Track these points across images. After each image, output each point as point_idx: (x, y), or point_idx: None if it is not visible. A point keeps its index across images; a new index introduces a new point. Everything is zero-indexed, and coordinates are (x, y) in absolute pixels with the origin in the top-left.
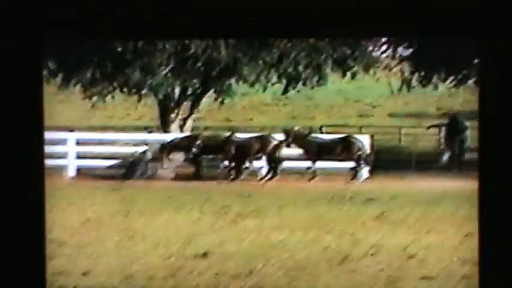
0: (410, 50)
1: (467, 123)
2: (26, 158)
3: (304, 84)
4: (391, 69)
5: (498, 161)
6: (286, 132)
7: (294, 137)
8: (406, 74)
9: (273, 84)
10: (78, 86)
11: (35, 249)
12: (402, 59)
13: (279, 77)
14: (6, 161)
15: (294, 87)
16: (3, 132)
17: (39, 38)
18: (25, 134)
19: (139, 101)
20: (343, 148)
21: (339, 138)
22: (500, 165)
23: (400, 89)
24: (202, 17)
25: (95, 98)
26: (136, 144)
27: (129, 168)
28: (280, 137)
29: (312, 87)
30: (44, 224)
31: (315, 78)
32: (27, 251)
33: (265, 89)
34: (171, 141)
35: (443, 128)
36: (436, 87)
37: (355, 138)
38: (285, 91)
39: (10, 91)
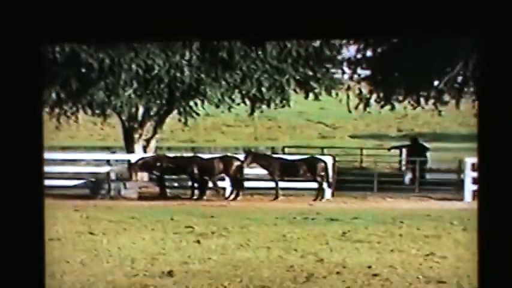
0: (370, 71)
1: (428, 145)
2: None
3: (268, 105)
4: (349, 89)
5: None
6: (248, 152)
7: (257, 158)
8: (364, 93)
9: (237, 105)
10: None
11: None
12: (362, 80)
13: (243, 98)
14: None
15: (258, 108)
16: None
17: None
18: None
19: (104, 121)
20: (307, 168)
21: (302, 158)
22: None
23: (356, 107)
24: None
25: (60, 118)
26: (100, 164)
27: (93, 188)
28: (242, 157)
29: (276, 108)
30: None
31: (278, 99)
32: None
33: (229, 109)
34: (136, 161)
35: (404, 150)
36: (393, 107)
37: (319, 159)
38: (252, 112)
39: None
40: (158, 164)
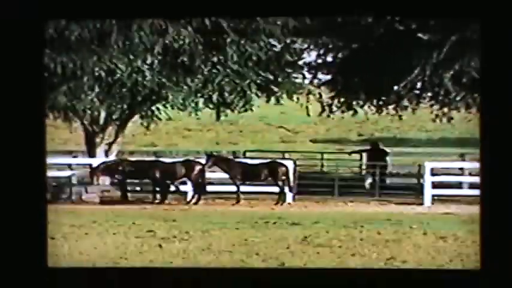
0: (330, 76)
1: (388, 149)
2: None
3: (231, 109)
4: (309, 94)
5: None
6: (209, 156)
7: (218, 162)
8: (326, 99)
9: (196, 111)
10: None
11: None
12: (322, 84)
13: (205, 103)
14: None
15: (223, 112)
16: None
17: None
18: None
19: (68, 125)
20: (268, 172)
21: (263, 162)
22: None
23: (320, 114)
24: None
25: None
26: (61, 168)
27: (55, 192)
28: (203, 161)
29: (239, 112)
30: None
31: (241, 104)
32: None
33: (194, 113)
34: (98, 165)
35: (364, 154)
36: (355, 112)
37: (280, 163)
38: (218, 117)
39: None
40: (120, 168)
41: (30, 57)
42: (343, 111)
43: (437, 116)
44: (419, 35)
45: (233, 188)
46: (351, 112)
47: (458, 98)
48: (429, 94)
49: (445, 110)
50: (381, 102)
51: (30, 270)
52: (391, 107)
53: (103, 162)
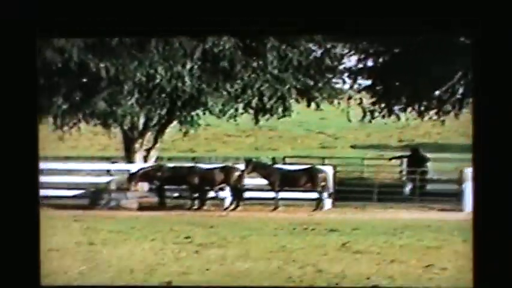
0: (371, 81)
1: (429, 155)
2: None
3: (270, 115)
4: (350, 99)
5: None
6: (248, 162)
7: (257, 168)
8: (368, 105)
9: (234, 117)
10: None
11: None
12: (363, 90)
13: (244, 108)
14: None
15: (262, 117)
16: None
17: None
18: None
19: (106, 131)
20: (308, 179)
21: (303, 168)
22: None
23: (361, 120)
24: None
25: (63, 129)
26: (100, 174)
27: (93, 198)
28: (242, 167)
29: (278, 118)
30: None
31: (280, 109)
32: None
33: (235, 118)
34: (137, 171)
35: (405, 160)
36: (398, 118)
37: (320, 169)
38: (256, 122)
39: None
40: (158, 174)
41: (23, 58)
42: (384, 117)
43: None
44: (462, 38)
45: (271, 194)
46: (391, 117)
47: None
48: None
49: None
50: (422, 108)
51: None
52: (432, 112)
53: (141, 168)
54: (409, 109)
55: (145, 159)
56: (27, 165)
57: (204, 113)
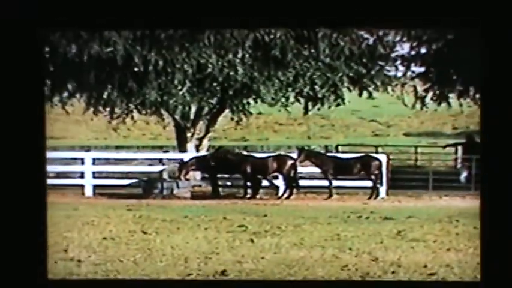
0: (424, 68)
1: None
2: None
3: (322, 103)
4: (404, 86)
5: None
6: (301, 150)
7: (310, 156)
8: (420, 91)
9: (286, 106)
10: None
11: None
12: (416, 77)
13: (296, 97)
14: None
15: (313, 106)
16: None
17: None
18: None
19: (161, 120)
20: (361, 167)
21: (356, 157)
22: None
23: (413, 106)
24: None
25: (115, 119)
26: (153, 163)
27: (146, 187)
28: (295, 156)
29: (330, 107)
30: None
31: (332, 98)
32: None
33: (285, 107)
34: (188, 161)
35: (459, 147)
36: (449, 104)
37: (373, 157)
38: (306, 111)
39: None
40: (211, 163)
41: (29, 57)
42: (439, 104)
43: None
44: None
45: (325, 183)
46: (445, 105)
47: None
48: None
49: None
50: (477, 95)
51: (29, 283)
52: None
53: (193, 157)
54: (464, 96)
55: (197, 148)
56: (34, 157)
57: (256, 102)
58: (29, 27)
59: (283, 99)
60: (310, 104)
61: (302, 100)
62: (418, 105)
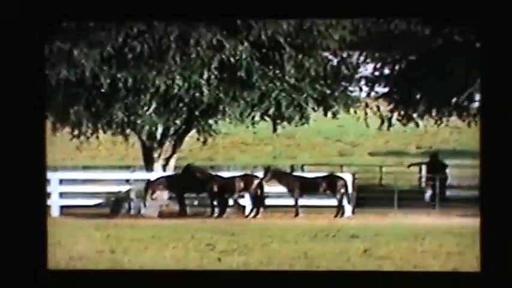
0: (388, 89)
1: (448, 161)
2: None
3: (288, 123)
4: (367, 106)
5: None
6: (267, 170)
7: (276, 175)
8: (385, 112)
9: (252, 124)
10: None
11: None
12: (380, 97)
13: (262, 117)
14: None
15: (280, 125)
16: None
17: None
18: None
19: (125, 140)
20: (327, 186)
21: (322, 176)
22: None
23: (379, 127)
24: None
25: (81, 138)
26: (120, 183)
27: (114, 207)
28: (261, 175)
29: (296, 126)
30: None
31: (297, 117)
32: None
33: (252, 126)
34: (154, 180)
35: (423, 166)
36: (417, 124)
37: (339, 176)
38: (274, 130)
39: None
40: (178, 182)
41: (30, 58)
42: (403, 124)
43: None
44: (478, 45)
45: (292, 202)
46: (409, 125)
47: None
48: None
49: None
50: (440, 115)
51: (30, 272)
52: (451, 118)
53: (160, 177)
54: (427, 116)
55: (164, 168)
56: (32, 161)
57: (219, 122)
58: (29, 27)
59: (249, 120)
60: (276, 124)
61: (268, 120)
62: (383, 125)
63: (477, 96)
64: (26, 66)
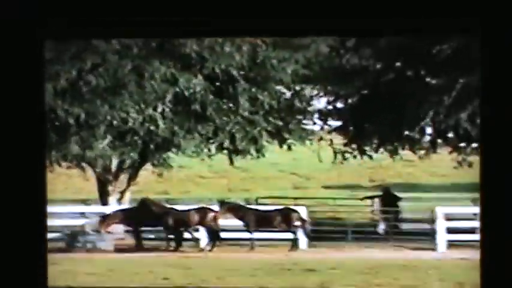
0: (341, 122)
1: (400, 195)
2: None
3: (243, 156)
4: (321, 140)
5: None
6: (222, 203)
7: (232, 209)
8: (337, 145)
9: (209, 156)
10: None
11: None
12: (333, 131)
13: (217, 150)
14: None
15: (235, 157)
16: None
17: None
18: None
19: (83, 173)
20: (282, 219)
21: (276, 209)
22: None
23: (333, 161)
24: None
25: None
26: (75, 217)
27: (69, 241)
28: (217, 208)
29: (252, 159)
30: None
31: (252, 150)
32: None
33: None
34: (108, 214)
35: (377, 200)
36: (370, 157)
37: (293, 210)
38: (231, 162)
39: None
40: (133, 215)
41: (28, 58)
42: (355, 157)
43: (458, 162)
44: (428, 79)
45: (247, 235)
46: (363, 158)
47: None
48: (441, 140)
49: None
50: (393, 148)
51: None
52: (403, 152)
53: (116, 210)
54: (381, 150)
55: (120, 201)
56: (32, 165)
57: (178, 155)
58: (29, 27)
59: (204, 153)
60: (232, 157)
61: (225, 152)
62: (336, 159)
63: (429, 130)
64: (25, 67)
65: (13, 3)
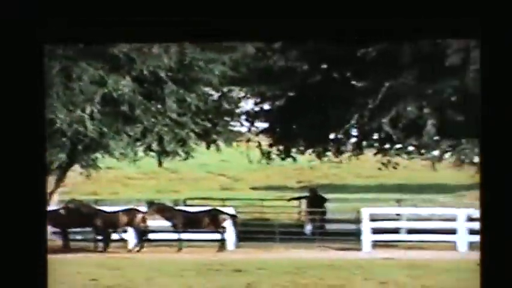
0: (268, 124)
1: (326, 196)
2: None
3: (172, 157)
4: (249, 141)
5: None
6: (151, 204)
7: (160, 210)
8: (265, 146)
9: (135, 160)
10: None
11: None
12: (260, 132)
13: (145, 151)
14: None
15: (164, 159)
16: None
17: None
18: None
19: None
20: (209, 220)
21: (204, 210)
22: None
23: (259, 161)
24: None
25: None
26: None
27: None
28: (145, 209)
29: (180, 160)
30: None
31: (180, 152)
32: None
33: (133, 162)
34: None
35: (303, 201)
36: (294, 159)
37: (221, 211)
38: (159, 164)
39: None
40: (61, 217)
41: (28, 58)
42: (282, 159)
43: (383, 163)
44: (353, 82)
45: (175, 236)
46: (289, 159)
47: (398, 146)
48: (366, 142)
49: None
50: (319, 150)
51: None
52: (329, 153)
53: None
54: (308, 151)
55: (48, 202)
56: (35, 162)
57: (104, 156)
58: (29, 28)
59: (131, 154)
60: (161, 158)
61: (152, 154)
62: (264, 160)
63: (354, 132)
64: (25, 67)
65: (13, 4)
